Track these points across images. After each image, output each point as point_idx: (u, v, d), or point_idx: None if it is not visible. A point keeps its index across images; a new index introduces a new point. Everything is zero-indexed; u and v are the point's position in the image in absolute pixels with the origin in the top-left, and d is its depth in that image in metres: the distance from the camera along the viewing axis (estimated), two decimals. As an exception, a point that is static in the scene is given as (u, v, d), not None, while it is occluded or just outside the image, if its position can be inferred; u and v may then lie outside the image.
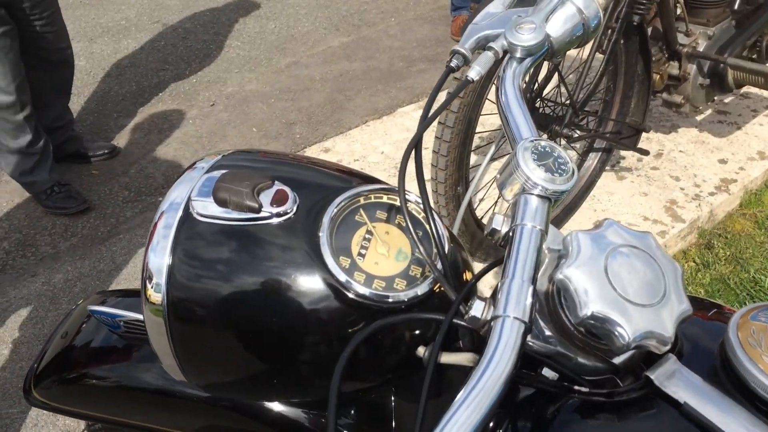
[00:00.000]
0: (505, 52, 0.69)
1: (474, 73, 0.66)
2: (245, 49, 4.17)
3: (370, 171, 2.90)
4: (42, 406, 0.96)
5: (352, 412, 0.84)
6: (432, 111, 0.64)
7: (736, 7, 2.48)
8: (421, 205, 0.65)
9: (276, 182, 0.64)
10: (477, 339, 0.62)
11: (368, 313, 0.61)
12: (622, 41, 2.11)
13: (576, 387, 0.56)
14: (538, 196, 0.57)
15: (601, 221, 0.57)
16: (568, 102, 2.05)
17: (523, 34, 0.67)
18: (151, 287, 0.64)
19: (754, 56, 2.64)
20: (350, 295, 0.61)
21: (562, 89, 2.08)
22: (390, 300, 0.61)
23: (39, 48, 2.65)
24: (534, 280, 0.53)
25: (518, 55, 0.68)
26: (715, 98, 2.71)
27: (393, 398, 0.81)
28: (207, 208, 0.63)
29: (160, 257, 0.64)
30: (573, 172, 0.58)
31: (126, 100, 3.63)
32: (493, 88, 1.92)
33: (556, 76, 2.07)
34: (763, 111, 3.02)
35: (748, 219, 2.50)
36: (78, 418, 0.99)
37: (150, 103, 3.60)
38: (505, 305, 0.51)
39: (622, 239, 0.55)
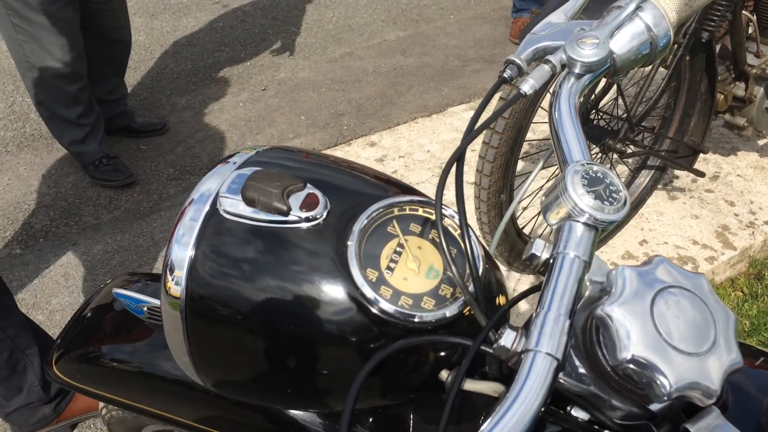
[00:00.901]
0: (563, 66, 0.64)
1: (527, 86, 0.62)
2: (301, 36, 4.17)
3: (414, 169, 2.86)
4: (60, 382, 0.96)
5: (371, 420, 0.82)
6: (478, 124, 0.61)
7: (812, 30, 2.36)
8: (458, 222, 0.61)
9: (308, 185, 0.61)
10: (505, 368, 0.58)
11: (392, 330, 0.58)
12: (687, 57, 2.03)
13: (607, 431, 0.52)
14: (585, 224, 0.53)
15: (651, 257, 0.53)
16: (624, 116, 1.98)
17: (585, 49, 0.63)
18: (172, 279, 0.62)
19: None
20: (374, 311, 0.58)
21: (620, 102, 2.01)
22: (416, 320, 0.58)
23: (95, 24, 2.68)
24: (572, 314, 0.49)
25: (577, 70, 0.64)
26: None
27: (412, 416, 0.78)
28: (234, 206, 0.60)
29: (183, 250, 0.62)
30: (625, 202, 0.54)
31: (180, 79, 3.67)
32: (548, 96, 1.87)
33: (614, 88, 2.00)
34: (832, 142, 2.89)
35: (805, 253, 2.39)
36: (94, 398, 0.99)
37: (203, 83, 3.63)
38: (538, 339, 0.48)
39: (673, 279, 0.51)
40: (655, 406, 0.51)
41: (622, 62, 0.65)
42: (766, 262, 2.37)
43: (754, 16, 2.33)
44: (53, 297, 2.32)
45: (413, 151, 3.00)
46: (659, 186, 2.61)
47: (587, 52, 0.62)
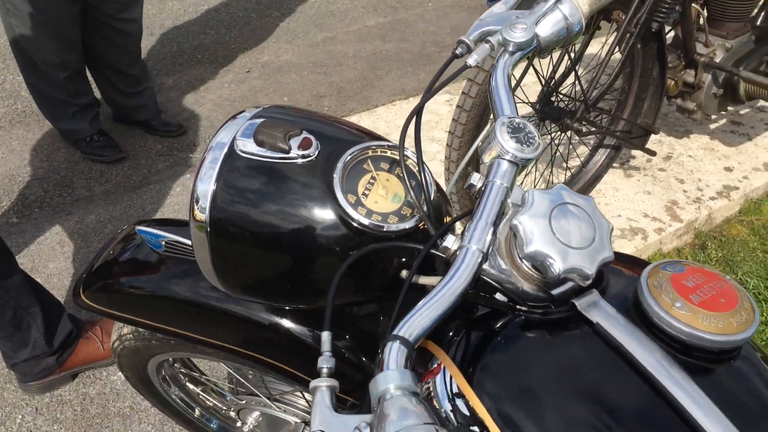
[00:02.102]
0: (501, 45, 0.84)
1: (472, 60, 0.81)
2: (284, 20, 4.32)
3: (391, 147, 3.05)
4: (87, 308, 1.13)
5: (348, 336, 1.01)
6: (437, 84, 0.80)
7: (758, 23, 2.57)
8: (416, 160, 0.80)
9: (303, 131, 0.79)
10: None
11: (366, 238, 0.77)
12: (639, 45, 2.23)
13: (518, 307, 0.72)
14: (509, 161, 0.72)
15: (554, 185, 0.72)
16: (581, 98, 2.18)
17: (516, 32, 0.82)
18: (198, 208, 0.80)
19: (772, 72, 2.74)
20: (353, 224, 0.76)
21: (578, 86, 2.20)
22: (384, 230, 0.77)
23: (102, 13, 2.73)
24: (495, 224, 0.69)
25: (510, 49, 0.83)
26: (728, 108, 2.81)
27: (381, 323, 0.97)
28: (248, 146, 0.78)
29: (206, 184, 0.80)
30: (539, 146, 0.73)
31: (166, 60, 3.80)
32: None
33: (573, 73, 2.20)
34: (775, 125, 3.13)
35: (745, 225, 2.62)
36: (117, 320, 1.16)
37: (189, 65, 3.77)
38: (470, 239, 0.67)
39: (568, 199, 0.70)
40: (554, 291, 0.70)
41: (545, 43, 0.85)
42: (710, 233, 2.60)
43: (705, 10, 2.54)
44: (50, 262, 2.47)
45: (391, 131, 3.18)
46: (617, 165, 2.82)
47: (518, 35, 0.82)
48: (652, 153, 2.47)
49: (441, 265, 0.78)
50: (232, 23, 4.24)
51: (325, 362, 0.62)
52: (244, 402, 1.37)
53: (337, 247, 0.77)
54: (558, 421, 0.63)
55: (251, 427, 1.42)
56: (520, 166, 0.72)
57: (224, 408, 1.55)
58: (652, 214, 2.57)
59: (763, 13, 2.56)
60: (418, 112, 0.78)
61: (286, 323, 0.99)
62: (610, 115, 2.44)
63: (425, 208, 0.77)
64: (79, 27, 2.68)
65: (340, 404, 1.08)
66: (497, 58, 0.83)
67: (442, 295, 0.63)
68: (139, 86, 3.06)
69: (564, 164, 2.62)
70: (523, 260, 0.70)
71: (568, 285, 0.70)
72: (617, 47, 2.13)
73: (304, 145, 0.77)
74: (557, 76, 2.20)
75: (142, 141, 3.14)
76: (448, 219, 0.82)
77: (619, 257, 0.79)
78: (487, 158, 0.74)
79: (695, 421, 0.61)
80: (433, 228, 0.75)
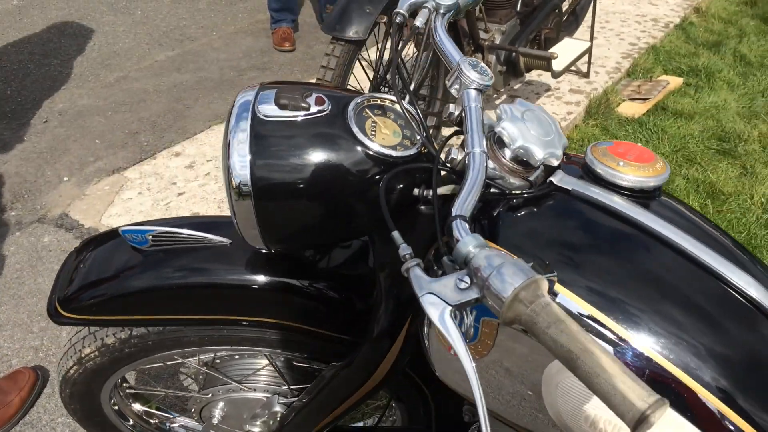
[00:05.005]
0: (434, 9, 1.07)
1: (419, 22, 1.04)
2: (67, 66, 4.15)
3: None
4: (71, 323, 1.13)
5: (333, 283, 1.17)
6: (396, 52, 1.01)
7: (518, 8, 3.11)
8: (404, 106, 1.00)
9: (313, 92, 0.95)
10: (447, 180, 0.97)
11: (386, 165, 0.93)
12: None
13: (509, 193, 0.94)
14: (475, 89, 0.94)
15: (515, 99, 0.97)
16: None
17: None
18: (235, 179, 0.91)
19: (536, 47, 3.30)
20: (375, 155, 0.93)
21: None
22: (396, 155, 0.94)
23: None
24: (484, 132, 0.91)
25: (442, 11, 1.07)
26: (510, 83, 3.32)
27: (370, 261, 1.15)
28: (270, 111, 0.91)
29: (242, 156, 0.91)
30: (491, 76, 0.96)
31: (-52, 123, 3.49)
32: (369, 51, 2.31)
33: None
34: (544, 93, 3.73)
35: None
36: (107, 326, 1.17)
37: (-23, 124, 3.50)
38: (472, 144, 0.87)
39: (528, 107, 0.95)
40: (531, 177, 0.94)
41: (463, 4, 1.10)
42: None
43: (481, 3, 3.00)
44: None
45: (218, 154, 3.25)
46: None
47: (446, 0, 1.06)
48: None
49: (448, 177, 0.97)
50: (9, 77, 3.98)
51: (405, 250, 0.79)
52: (209, 395, 1.44)
53: (364, 176, 0.94)
54: (572, 249, 0.87)
55: (219, 419, 1.48)
56: (483, 91, 0.95)
57: (185, 415, 1.58)
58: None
59: (521, 1, 3.11)
60: (397, 66, 0.98)
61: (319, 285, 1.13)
62: (427, 98, 2.79)
63: (424, 134, 0.96)
64: None
65: (334, 345, 1.23)
66: (434, 19, 1.06)
67: (473, 182, 0.83)
68: None
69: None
70: (506, 158, 0.92)
71: (539, 171, 0.94)
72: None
73: (319, 101, 0.93)
74: (381, 69, 2.49)
75: (-52, 210, 2.88)
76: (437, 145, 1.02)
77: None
78: (456, 91, 0.95)
79: (657, 231, 0.88)
80: (434, 149, 0.95)
